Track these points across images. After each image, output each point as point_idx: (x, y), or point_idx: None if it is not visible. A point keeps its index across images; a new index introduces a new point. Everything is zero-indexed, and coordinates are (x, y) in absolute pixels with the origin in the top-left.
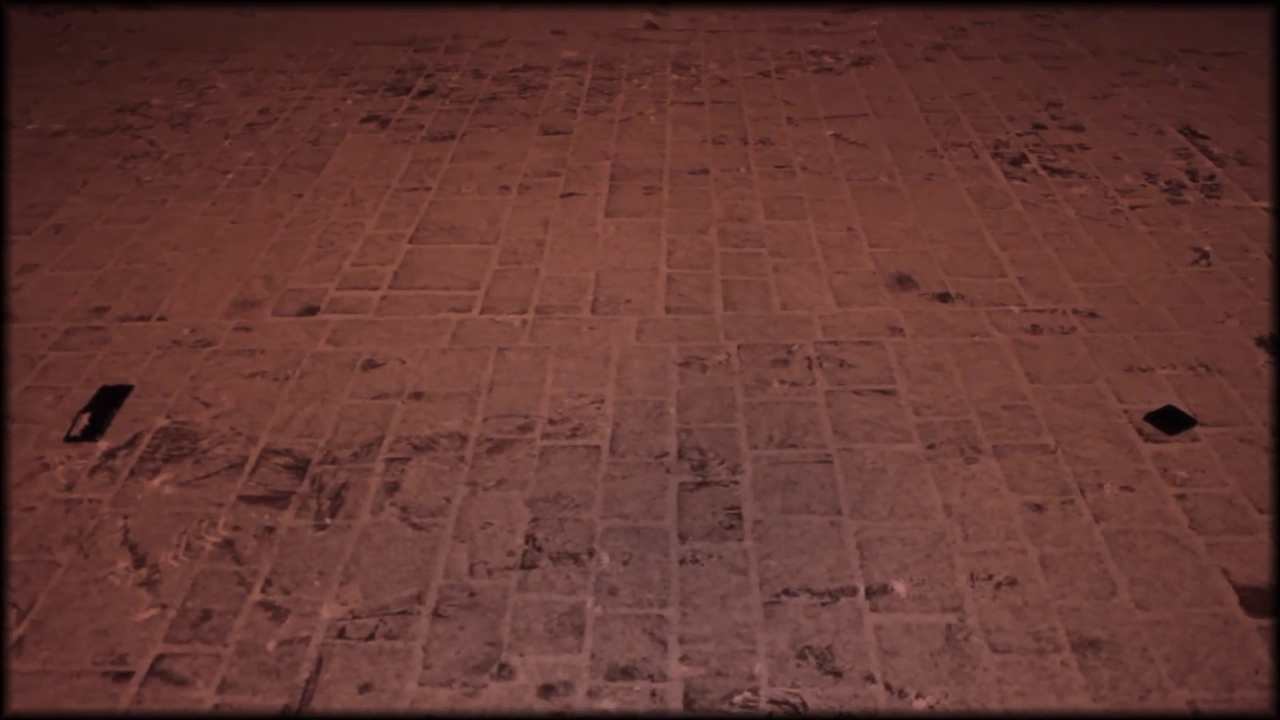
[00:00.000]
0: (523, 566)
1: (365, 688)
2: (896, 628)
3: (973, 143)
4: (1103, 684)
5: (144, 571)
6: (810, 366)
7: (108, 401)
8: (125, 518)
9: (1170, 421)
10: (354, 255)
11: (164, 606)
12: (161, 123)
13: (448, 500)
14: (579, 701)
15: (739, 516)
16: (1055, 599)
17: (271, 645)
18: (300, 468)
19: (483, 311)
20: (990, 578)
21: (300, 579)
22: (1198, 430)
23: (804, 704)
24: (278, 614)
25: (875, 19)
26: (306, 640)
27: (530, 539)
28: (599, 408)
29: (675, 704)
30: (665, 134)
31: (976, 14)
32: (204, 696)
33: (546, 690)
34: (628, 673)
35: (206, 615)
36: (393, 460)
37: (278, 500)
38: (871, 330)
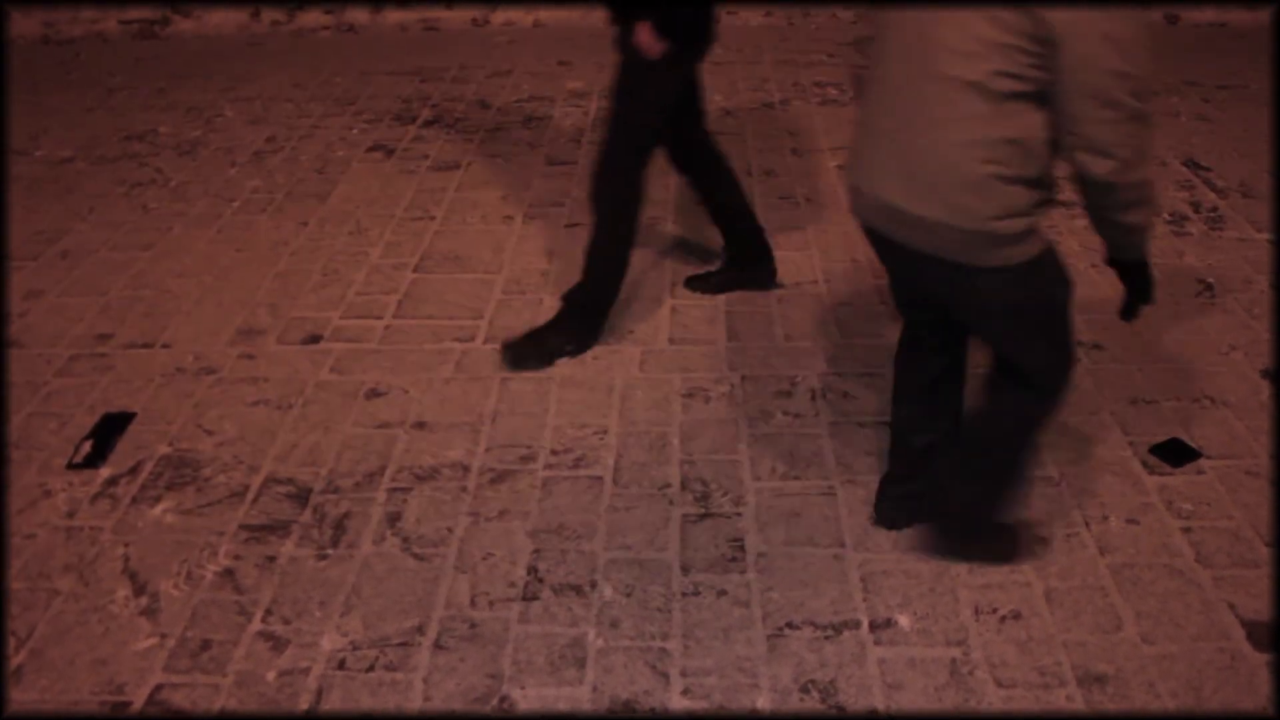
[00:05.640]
0: (524, 598)
1: None
2: (900, 661)
3: None
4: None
5: (144, 600)
6: (814, 398)
7: (110, 428)
8: (126, 545)
9: (1175, 454)
10: (358, 284)
11: (164, 636)
12: (169, 150)
13: (450, 530)
14: None
15: (742, 548)
16: (1060, 633)
17: (271, 676)
18: (302, 497)
19: (486, 341)
20: (995, 611)
21: (301, 609)
22: (1203, 463)
23: None
24: (278, 644)
25: None
26: (307, 671)
27: (532, 570)
28: (602, 438)
29: None
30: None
31: None
32: None
33: None
34: (629, 705)
35: (206, 645)
36: (395, 490)
37: (279, 529)
38: (875, 362)
